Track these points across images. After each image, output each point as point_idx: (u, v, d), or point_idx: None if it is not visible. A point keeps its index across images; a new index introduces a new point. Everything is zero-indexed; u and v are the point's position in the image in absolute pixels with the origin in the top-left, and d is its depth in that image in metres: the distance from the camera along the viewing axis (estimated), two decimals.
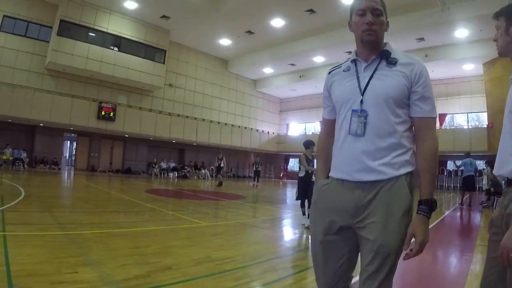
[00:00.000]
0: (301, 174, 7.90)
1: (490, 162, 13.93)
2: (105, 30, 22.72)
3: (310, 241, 1.95)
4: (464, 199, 14.10)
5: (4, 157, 20.27)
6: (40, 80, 21.74)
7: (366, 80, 1.76)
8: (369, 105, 1.72)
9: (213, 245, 5.38)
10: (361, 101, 1.74)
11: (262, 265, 4.40)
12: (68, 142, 31.25)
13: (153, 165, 27.38)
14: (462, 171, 14.57)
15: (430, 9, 17.84)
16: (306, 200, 7.65)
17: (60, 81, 22.52)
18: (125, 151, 27.40)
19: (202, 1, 20.56)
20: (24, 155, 21.16)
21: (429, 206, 1.64)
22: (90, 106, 22.71)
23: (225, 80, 32.54)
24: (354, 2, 1.81)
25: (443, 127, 26.68)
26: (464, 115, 27.37)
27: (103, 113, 23.05)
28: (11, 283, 2.96)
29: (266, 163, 36.83)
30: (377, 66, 1.77)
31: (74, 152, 29.23)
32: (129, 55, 23.84)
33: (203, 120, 29.73)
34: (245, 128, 33.52)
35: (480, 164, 19.44)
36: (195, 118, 29.14)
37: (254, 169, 21.88)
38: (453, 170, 24.99)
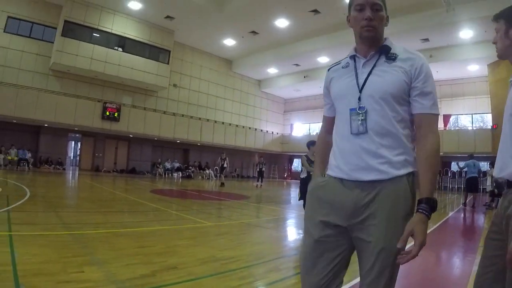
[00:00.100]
0: (303, 175, 7.90)
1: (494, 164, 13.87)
2: (109, 30, 22.79)
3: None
4: (467, 200, 14.06)
5: (9, 158, 20.38)
6: (44, 80, 21.84)
7: (365, 77, 1.71)
8: (367, 102, 1.67)
9: (217, 244, 5.40)
10: (359, 98, 1.69)
11: (266, 265, 4.41)
12: (73, 142, 31.34)
13: (158, 165, 27.44)
14: (466, 172, 14.51)
15: (435, 9, 17.81)
16: None
17: (64, 82, 22.62)
18: (130, 151, 27.46)
19: (206, 2, 20.59)
20: (29, 155, 21.26)
21: (430, 206, 1.54)
22: (94, 107, 22.78)
23: (230, 80, 32.57)
24: None
25: (447, 128, 26.59)
26: (469, 116, 27.22)
27: (107, 113, 23.11)
28: (18, 282, 2.99)
29: (270, 164, 36.88)
30: (376, 62, 1.72)
31: (78, 152, 29.31)
32: (133, 55, 23.90)
33: (208, 120, 29.75)
34: (249, 128, 33.50)
35: (484, 166, 19.38)
36: (200, 118, 29.17)
37: (258, 169, 21.88)
38: (457, 171, 24.91)
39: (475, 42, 20.21)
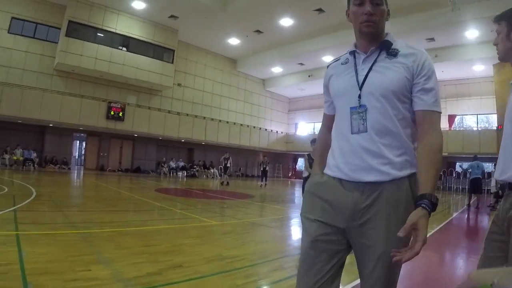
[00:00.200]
0: (305, 174, 7.91)
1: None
2: (113, 30, 22.84)
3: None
4: (471, 201, 14.02)
5: (15, 158, 20.48)
6: (49, 81, 21.92)
7: (365, 73, 1.65)
8: (367, 100, 1.60)
9: (222, 243, 5.43)
10: (359, 96, 1.62)
11: (271, 263, 4.44)
12: (78, 142, 31.42)
13: (162, 164, 27.49)
14: (470, 173, 14.47)
15: (441, 9, 17.70)
16: None
17: (69, 82, 22.70)
18: (134, 151, 27.54)
19: (210, 1, 20.59)
20: (34, 155, 21.35)
21: (432, 203, 1.43)
22: (99, 106, 22.85)
23: (234, 79, 32.57)
24: None
25: (452, 128, 26.51)
26: (474, 117, 27.12)
27: (112, 113, 23.16)
28: (26, 281, 3.02)
29: (275, 163, 36.85)
30: (376, 58, 1.65)
31: (83, 152, 29.37)
32: (137, 55, 23.94)
33: (212, 119, 29.76)
34: (254, 127, 33.49)
35: (489, 167, 19.31)
36: (204, 118, 29.18)
37: (262, 168, 21.89)
38: (461, 171, 24.82)
39: (480, 42, 20.04)
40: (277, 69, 31.29)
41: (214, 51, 29.97)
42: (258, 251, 5.14)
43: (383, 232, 1.52)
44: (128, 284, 3.24)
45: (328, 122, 1.93)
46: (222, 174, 21.11)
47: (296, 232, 7.31)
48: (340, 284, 1.68)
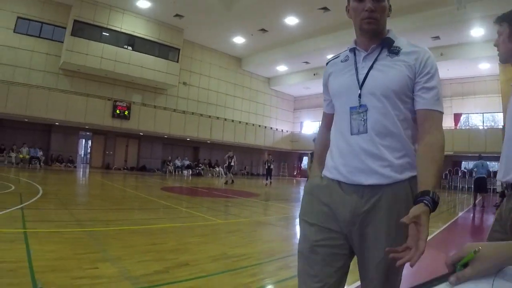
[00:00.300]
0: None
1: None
2: (118, 29, 22.92)
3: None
4: (477, 201, 13.97)
5: (21, 156, 20.63)
6: (55, 80, 22.04)
7: (365, 72, 1.58)
8: (368, 100, 1.54)
9: (228, 242, 5.44)
10: (359, 95, 1.55)
11: (277, 262, 4.43)
12: (83, 140, 31.53)
13: (168, 163, 27.58)
14: (475, 172, 14.42)
15: (446, 7, 17.58)
16: None
17: (75, 81, 22.83)
18: (140, 149, 27.65)
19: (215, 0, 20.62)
20: (40, 153, 21.49)
21: (434, 201, 1.32)
22: (105, 105, 22.95)
23: (239, 78, 32.57)
24: None
25: (458, 127, 26.39)
26: (480, 115, 26.96)
27: (117, 111, 23.25)
28: (34, 278, 3.04)
29: (280, 161, 36.83)
30: (377, 56, 1.58)
31: (89, 150, 29.55)
32: (143, 54, 24.03)
33: (217, 118, 29.79)
34: (259, 126, 33.50)
35: (495, 166, 19.20)
36: (209, 116, 29.22)
37: (266, 167, 21.86)
38: (467, 170, 24.70)
39: (486, 40, 19.84)
40: (282, 68, 31.27)
41: (219, 50, 30.00)
42: (264, 249, 5.15)
43: (384, 237, 1.47)
44: (135, 282, 3.26)
45: (328, 121, 1.86)
46: (226, 173, 21.07)
47: None
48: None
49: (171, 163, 27.56)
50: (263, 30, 24.19)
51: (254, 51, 29.23)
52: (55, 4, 21.81)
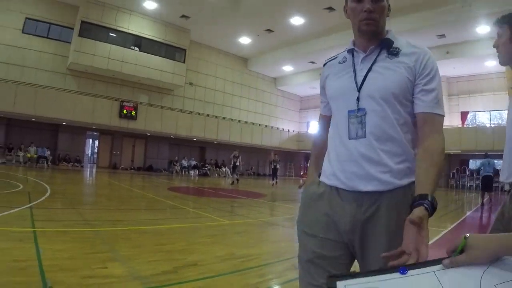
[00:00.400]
0: None
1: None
2: (125, 30, 23.04)
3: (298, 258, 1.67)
4: (485, 200, 13.89)
5: (29, 155, 20.80)
6: (62, 80, 22.19)
7: (364, 74, 1.52)
8: (366, 103, 1.48)
9: (236, 242, 5.44)
10: (358, 98, 1.50)
11: (284, 263, 4.41)
12: (91, 140, 31.69)
13: (175, 163, 27.66)
14: (482, 170, 14.36)
15: (451, 5, 17.54)
16: None
17: (82, 81, 22.97)
18: (147, 149, 27.76)
19: (221, 0, 20.64)
20: (47, 153, 21.67)
21: (432, 205, 1.27)
22: (112, 105, 23.06)
23: (245, 78, 32.61)
24: None
25: (465, 125, 26.25)
26: (487, 113, 26.81)
27: (124, 112, 23.35)
28: (44, 277, 3.06)
29: (286, 161, 36.78)
30: (376, 57, 1.52)
31: (96, 150, 29.68)
32: (150, 54, 24.14)
33: (224, 118, 29.85)
34: (266, 126, 33.51)
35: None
36: (216, 117, 29.30)
37: (272, 167, 21.83)
38: (475, 169, 24.58)
39: (492, 38, 19.30)
40: (288, 68, 31.27)
41: (226, 50, 30.04)
42: (271, 250, 5.14)
43: (384, 245, 1.40)
44: (145, 281, 3.27)
45: (325, 123, 1.81)
46: (231, 173, 21.06)
47: None
48: None
49: (178, 163, 27.63)
50: (269, 30, 24.21)
51: (260, 51, 29.23)
52: (63, 5, 21.95)
